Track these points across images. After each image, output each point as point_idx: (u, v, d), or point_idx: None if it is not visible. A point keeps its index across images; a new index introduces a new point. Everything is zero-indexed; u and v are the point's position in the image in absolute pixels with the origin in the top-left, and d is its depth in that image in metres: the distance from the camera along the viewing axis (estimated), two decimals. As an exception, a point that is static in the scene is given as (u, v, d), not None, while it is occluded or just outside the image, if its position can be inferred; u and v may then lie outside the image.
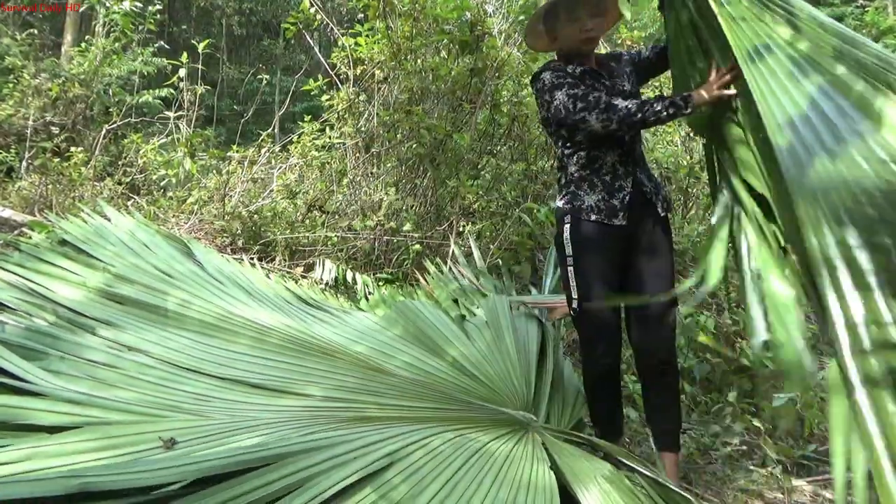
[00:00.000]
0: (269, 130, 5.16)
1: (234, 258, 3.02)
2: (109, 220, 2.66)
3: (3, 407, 1.46)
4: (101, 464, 1.33)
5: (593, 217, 1.98)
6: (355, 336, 2.38)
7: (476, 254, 3.11)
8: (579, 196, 2.02)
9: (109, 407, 1.57)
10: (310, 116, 4.91)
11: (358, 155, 4.34)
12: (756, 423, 2.46)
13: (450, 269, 3.14)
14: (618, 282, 2.02)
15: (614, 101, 1.88)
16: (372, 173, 4.27)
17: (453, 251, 3.24)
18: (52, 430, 1.45)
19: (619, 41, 5.30)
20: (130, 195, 4.76)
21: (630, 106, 1.85)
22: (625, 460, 1.70)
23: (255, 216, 3.94)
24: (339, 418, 1.74)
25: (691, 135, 5.06)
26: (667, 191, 2.14)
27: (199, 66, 4.91)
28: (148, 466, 1.32)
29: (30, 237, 2.43)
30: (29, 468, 1.29)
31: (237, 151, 4.64)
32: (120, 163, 5.33)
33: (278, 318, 2.35)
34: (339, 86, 4.58)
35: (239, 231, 3.81)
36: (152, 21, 6.27)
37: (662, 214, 2.04)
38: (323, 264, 3.44)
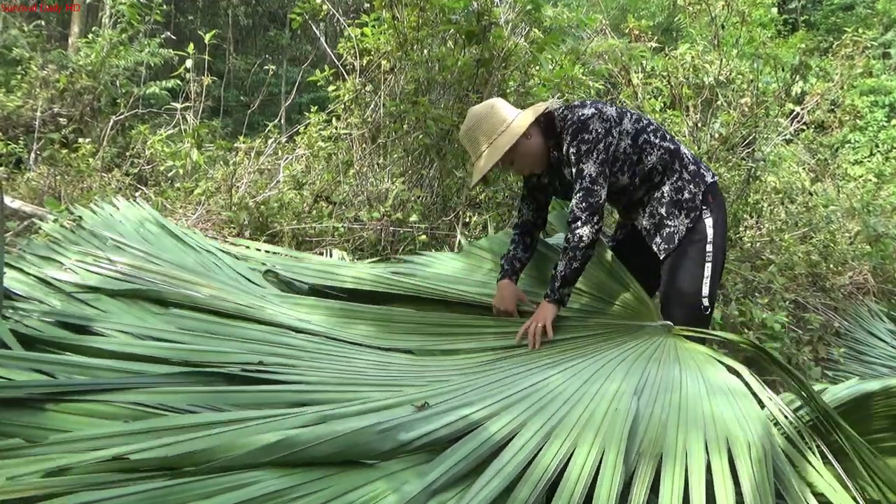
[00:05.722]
0: (276, 121, 5.17)
1: (242, 245, 3.03)
2: (118, 209, 2.68)
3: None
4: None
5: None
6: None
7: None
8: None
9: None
10: (316, 107, 4.90)
11: (364, 146, 4.34)
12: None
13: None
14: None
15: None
16: (378, 164, 4.27)
17: (460, 241, 3.25)
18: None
19: (627, 30, 5.27)
20: (138, 186, 4.78)
21: None
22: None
23: (262, 207, 3.95)
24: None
25: (699, 125, 5.04)
26: (671, 231, 2.18)
27: (206, 57, 4.92)
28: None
29: (39, 228, 2.45)
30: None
31: (244, 142, 4.64)
32: (127, 154, 5.35)
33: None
34: (346, 76, 4.58)
35: (246, 222, 3.82)
36: (159, 12, 6.27)
37: (662, 256, 2.19)
38: (330, 255, 3.45)
